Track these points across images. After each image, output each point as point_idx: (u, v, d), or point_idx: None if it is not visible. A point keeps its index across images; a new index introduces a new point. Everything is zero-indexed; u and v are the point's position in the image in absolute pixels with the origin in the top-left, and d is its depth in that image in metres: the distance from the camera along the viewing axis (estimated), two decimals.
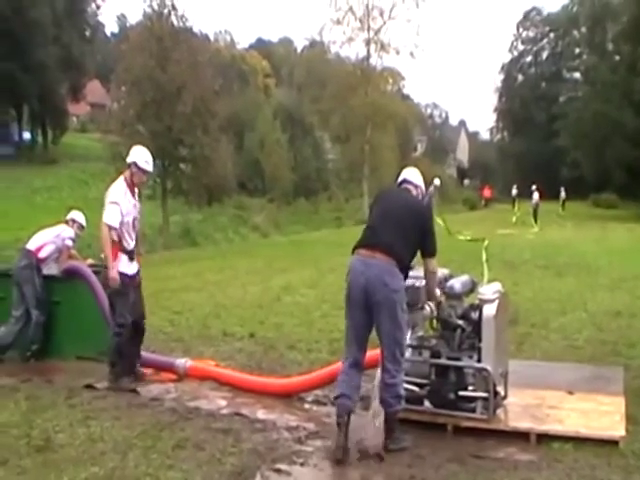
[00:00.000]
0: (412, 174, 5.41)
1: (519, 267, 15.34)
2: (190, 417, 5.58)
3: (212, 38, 76.70)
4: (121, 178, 6.59)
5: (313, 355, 7.64)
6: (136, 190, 6.66)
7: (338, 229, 35.63)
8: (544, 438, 4.96)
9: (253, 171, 41.78)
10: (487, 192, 58.56)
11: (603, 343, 7.99)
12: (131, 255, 6.48)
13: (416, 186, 5.38)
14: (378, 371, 5.09)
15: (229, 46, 78.28)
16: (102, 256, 6.53)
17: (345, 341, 5.00)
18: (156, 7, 28.36)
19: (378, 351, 5.60)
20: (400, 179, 5.39)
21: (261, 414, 5.69)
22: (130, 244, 6.49)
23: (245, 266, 16.65)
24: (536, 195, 36.25)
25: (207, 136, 27.92)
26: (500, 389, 5.42)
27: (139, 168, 6.57)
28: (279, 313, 10.25)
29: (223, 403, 5.99)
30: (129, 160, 6.59)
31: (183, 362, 6.85)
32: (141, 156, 6.61)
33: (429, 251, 5.13)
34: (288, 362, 7.38)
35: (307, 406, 6.01)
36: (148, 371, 6.94)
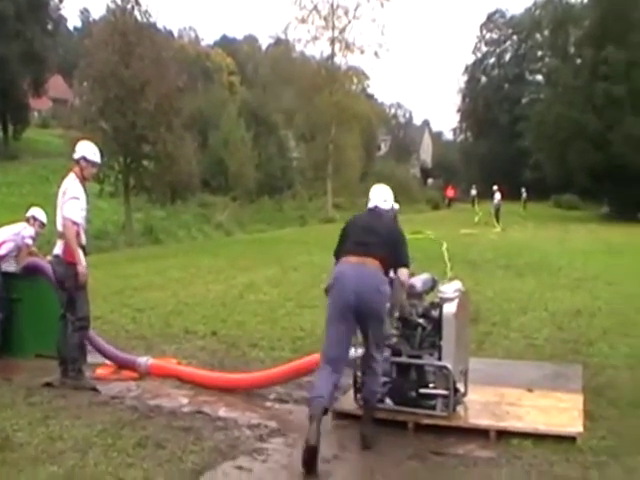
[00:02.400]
0: (382, 201, 5.47)
1: (481, 267, 15.49)
2: (151, 415, 5.55)
3: (176, 34, 76.41)
4: (72, 174, 6.56)
5: (276, 353, 7.64)
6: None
7: (302, 227, 35.64)
8: (503, 435, 5.02)
9: (217, 169, 41.53)
10: (450, 192, 59.08)
11: (563, 342, 8.12)
12: (85, 250, 6.48)
13: (387, 211, 5.48)
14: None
15: (194, 43, 77.91)
16: (56, 252, 6.49)
17: (326, 343, 4.99)
18: (119, 2, 28.04)
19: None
20: (371, 205, 5.45)
21: (223, 412, 5.68)
22: (83, 239, 6.50)
23: (208, 264, 16.58)
24: (498, 195, 36.70)
25: (171, 133, 27.66)
26: (460, 386, 5.49)
27: (88, 161, 6.57)
28: (242, 311, 10.23)
29: (185, 401, 5.98)
30: (77, 156, 6.57)
31: (145, 360, 6.82)
32: (89, 149, 6.62)
33: (402, 261, 5.23)
34: (251, 360, 7.38)
35: (269, 404, 6.01)
36: (110, 369, 6.91)
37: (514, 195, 50.96)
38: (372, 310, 4.91)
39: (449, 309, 5.33)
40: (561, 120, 42.90)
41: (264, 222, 36.11)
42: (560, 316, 9.69)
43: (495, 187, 37.82)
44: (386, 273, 5.07)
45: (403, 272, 5.22)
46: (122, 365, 6.93)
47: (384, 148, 76.64)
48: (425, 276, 5.81)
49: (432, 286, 5.79)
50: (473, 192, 53.29)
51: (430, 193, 63.32)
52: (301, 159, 51.52)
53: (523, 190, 50.56)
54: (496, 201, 36.51)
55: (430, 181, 77.26)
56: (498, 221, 34.12)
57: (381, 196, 5.48)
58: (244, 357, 7.56)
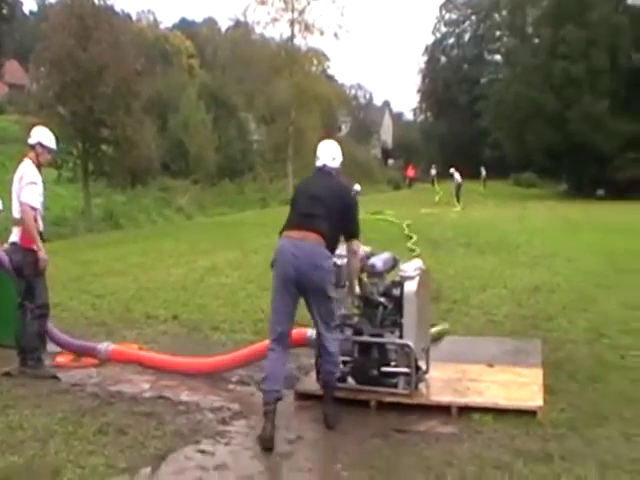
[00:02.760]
0: (330, 158, 5.32)
1: (442, 245, 15.59)
2: (112, 402, 5.49)
3: (135, 18, 75.16)
4: (28, 160, 6.42)
5: (237, 335, 7.61)
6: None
7: (263, 210, 35.58)
8: (465, 410, 5.06)
9: (177, 152, 41.16)
10: (411, 172, 59.24)
11: (522, 318, 8.21)
12: (42, 236, 6.36)
13: (337, 170, 5.35)
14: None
15: (152, 26, 76.75)
16: (13, 240, 6.36)
17: (273, 319, 4.97)
18: None
19: (301, 330, 5.66)
20: (320, 164, 5.31)
21: (185, 396, 5.64)
22: (41, 225, 6.37)
23: (169, 248, 16.44)
24: (457, 176, 36.83)
25: (130, 117, 27.36)
26: (422, 364, 5.52)
27: (44, 147, 6.45)
28: (203, 295, 10.17)
29: (146, 386, 5.92)
30: (32, 141, 6.44)
31: (105, 346, 6.74)
32: (44, 135, 6.49)
33: (353, 232, 5.18)
34: (212, 343, 7.34)
35: (231, 386, 5.99)
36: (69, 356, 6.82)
37: (474, 174, 51.32)
38: (313, 284, 4.86)
39: (410, 287, 5.35)
40: (519, 99, 43.23)
41: (225, 205, 35.99)
42: (519, 293, 9.80)
43: (452, 169, 37.92)
44: (332, 246, 5.01)
45: (355, 242, 5.19)
46: (82, 353, 6.84)
47: (345, 129, 76.56)
48: (386, 255, 5.82)
49: (393, 265, 5.80)
50: (433, 172, 53.61)
51: (391, 173, 63.68)
52: (262, 141, 51.38)
53: (482, 169, 50.94)
54: (456, 181, 36.69)
55: (391, 161, 77.53)
56: (459, 200, 34.33)
57: (329, 153, 5.33)
58: (206, 340, 7.51)
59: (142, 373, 6.31)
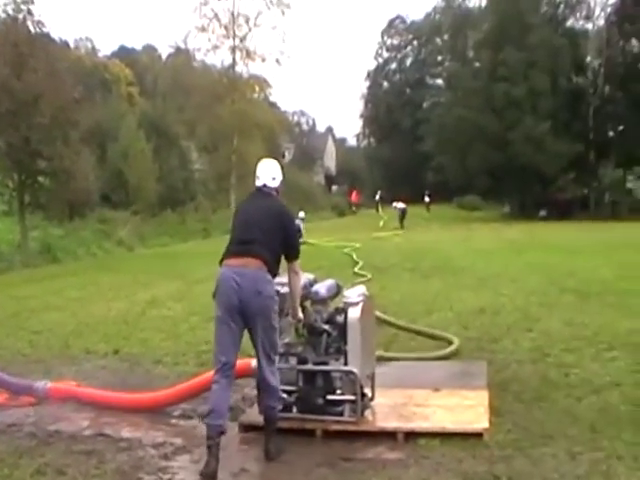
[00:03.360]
0: (270, 178, 5.32)
1: (386, 271, 15.71)
2: (51, 441, 5.38)
3: (72, 45, 74.38)
4: None
5: (180, 368, 7.53)
6: None
7: (205, 240, 35.37)
8: (411, 436, 5.09)
9: (117, 183, 40.61)
10: (355, 197, 59.72)
11: (468, 340, 8.29)
12: None
13: (277, 190, 5.36)
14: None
15: (90, 54, 76.06)
16: None
17: (217, 350, 4.92)
18: (10, 12, 27.14)
19: (246, 361, 5.63)
20: (259, 183, 5.32)
21: (126, 432, 5.56)
22: None
23: (109, 281, 16.22)
24: (401, 205, 37.24)
25: (67, 148, 26.92)
26: (367, 391, 5.54)
27: None
28: (145, 328, 10.04)
29: (85, 424, 5.81)
30: None
31: (42, 384, 6.60)
32: None
33: (293, 254, 5.18)
34: (154, 377, 7.24)
35: (174, 421, 5.92)
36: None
37: (417, 198, 52.01)
38: (257, 311, 4.84)
39: (354, 314, 5.38)
40: (461, 122, 44.03)
41: (167, 236, 35.61)
42: (465, 315, 9.91)
43: (395, 204, 38.31)
44: (274, 271, 5.01)
45: (296, 263, 5.20)
46: (19, 392, 6.67)
47: (288, 156, 76.76)
48: (329, 282, 5.87)
49: (337, 292, 5.84)
50: (377, 197, 54.13)
51: (335, 200, 63.79)
52: (204, 171, 51.14)
53: (426, 193, 51.66)
54: (400, 208, 37.06)
55: (335, 188, 77.90)
56: (402, 225, 34.85)
57: (269, 173, 5.32)
58: (147, 375, 7.41)
59: (81, 410, 6.19)
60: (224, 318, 4.86)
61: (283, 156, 72.34)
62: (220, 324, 4.89)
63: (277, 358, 5.10)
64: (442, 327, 9.06)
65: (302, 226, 23.51)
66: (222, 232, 37.84)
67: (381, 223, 38.66)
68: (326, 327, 5.50)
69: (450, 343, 7.88)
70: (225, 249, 5.11)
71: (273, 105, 59.64)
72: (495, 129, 41.69)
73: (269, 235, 5.00)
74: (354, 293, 5.55)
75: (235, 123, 42.02)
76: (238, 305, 4.81)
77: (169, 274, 17.11)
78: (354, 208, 58.13)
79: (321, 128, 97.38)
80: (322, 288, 5.66)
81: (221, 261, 5.05)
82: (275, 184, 5.32)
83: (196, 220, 42.64)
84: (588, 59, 46.36)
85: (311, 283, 5.67)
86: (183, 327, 9.98)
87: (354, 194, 60.20)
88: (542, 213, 42.17)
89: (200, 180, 50.56)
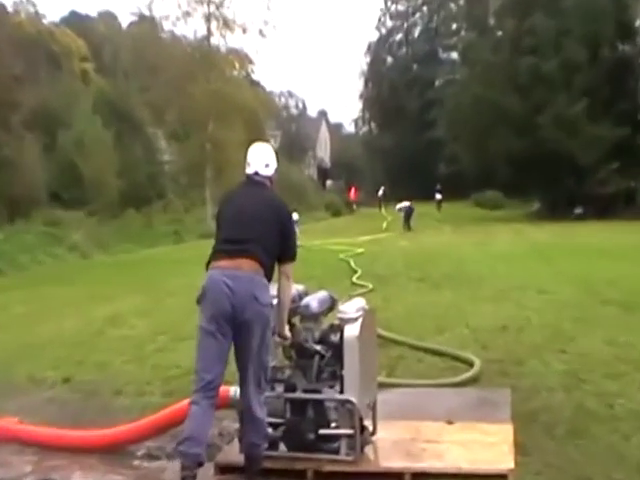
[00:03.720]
0: (263, 164, 5.34)
1: (390, 280, 15.75)
2: None
3: (10, 9, 74.21)
4: None
5: (145, 399, 7.46)
6: None
7: (177, 245, 35.38)
8: (421, 477, 5.03)
9: (69, 177, 40.45)
10: (353, 195, 59.90)
11: (487, 362, 8.24)
12: None
13: (270, 179, 5.37)
14: None
15: (34, 20, 75.86)
16: None
17: (200, 366, 4.90)
18: None
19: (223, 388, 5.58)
20: (250, 171, 5.32)
21: (77, 477, 5.51)
22: None
23: (61, 295, 16.20)
24: (406, 203, 37.17)
25: (8, 134, 26.98)
26: (368, 423, 5.50)
27: None
28: (103, 350, 10.00)
29: (29, 469, 5.75)
30: None
31: None
32: None
33: (290, 254, 5.20)
34: (113, 410, 7.18)
35: (136, 462, 5.86)
36: None
37: (427, 195, 52.00)
38: (248, 322, 4.82)
39: (351, 332, 5.34)
40: (479, 104, 43.68)
41: (131, 241, 35.56)
42: (483, 332, 9.88)
43: (398, 206, 38.08)
44: (269, 275, 5.03)
45: (288, 266, 5.20)
46: None
47: (274, 145, 76.87)
48: (322, 294, 5.84)
49: (330, 306, 5.82)
50: (380, 193, 54.30)
51: (330, 197, 63.92)
52: (174, 163, 51.11)
53: (437, 188, 51.65)
54: (405, 207, 37.03)
55: (329, 183, 78.04)
56: (409, 225, 34.94)
57: (262, 159, 5.35)
58: (105, 407, 7.35)
59: (23, 453, 6.13)
60: (211, 328, 4.83)
61: None
62: (205, 336, 4.86)
63: (267, 384, 5.10)
64: (456, 347, 9.03)
65: (297, 230, 23.57)
66: (197, 236, 37.93)
67: (384, 224, 38.69)
68: (318, 348, 5.47)
69: (470, 365, 7.84)
70: (213, 249, 5.11)
71: (256, 85, 59.63)
72: (520, 111, 41.29)
73: (265, 233, 5.02)
74: (352, 307, 5.52)
75: (211, 106, 42.02)
76: (230, 313, 4.79)
77: (133, 286, 17.10)
78: (355, 207, 58.21)
79: (313, 112, 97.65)
80: (313, 301, 5.63)
81: (208, 264, 5.05)
82: (269, 172, 5.34)
83: (165, 222, 42.68)
84: (638, 22, 45.05)
85: (300, 295, 5.65)
86: (149, 349, 9.94)
87: (353, 191, 60.34)
88: (577, 211, 41.55)
89: (170, 174, 50.57)
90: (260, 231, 5.00)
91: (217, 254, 5.03)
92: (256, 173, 5.29)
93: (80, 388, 8.12)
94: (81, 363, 9.30)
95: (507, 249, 22.65)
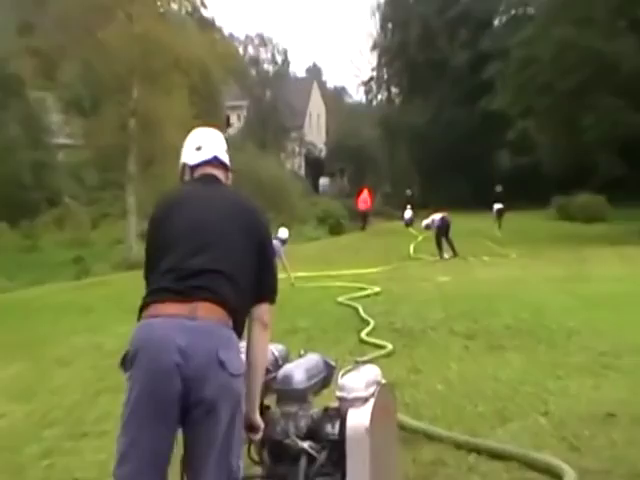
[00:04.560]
0: (221, 150, 5.43)
1: (421, 337, 15.69)
2: None
3: None
4: None
5: None
6: None
7: (80, 281, 35.29)
8: None
9: None
10: (365, 202, 59.37)
11: (584, 472, 8.19)
12: None
13: (227, 169, 5.46)
14: None
15: None
16: None
17: (127, 470, 4.80)
18: None
19: None
20: (204, 157, 5.37)
21: None
22: None
23: None
24: (437, 216, 36.93)
25: None
26: None
27: None
28: None
29: None
30: None
31: None
32: None
33: (269, 292, 5.26)
34: None
35: None
36: None
37: (479, 201, 51.93)
38: (207, 401, 4.76)
39: (358, 420, 5.37)
40: (568, 54, 43.16)
41: (3, 274, 35.64)
42: (573, 424, 9.82)
43: (425, 222, 37.86)
44: (240, 324, 5.02)
45: (266, 311, 5.22)
46: None
47: (237, 122, 77.23)
48: (311, 360, 5.94)
49: (326, 377, 5.92)
50: (408, 192, 54.46)
51: (325, 203, 63.87)
52: (75, 148, 51.20)
53: (497, 190, 51.19)
54: (437, 221, 36.89)
55: (324, 182, 78.19)
56: (451, 248, 34.97)
57: (218, 141, 5.49)
58: None
59: None
60: (148, 410, 4.77)
61: (227, 122, 72.67)
62: (134, 424, 4.81)
63: None
64: (530, 446, 8.98)
65: (282, 251, 23.49)
66: (112, 266, 38.00)
67: (412, 247, 38.76)
68: (305, 445, 5.48)
69: (557, 478, 7.77)
70: (150, 288, 5.09)
71: (209, 26, 59.92)
72: (635, 63, 40.80)
73: (237, 259, 5.03)
74: (359, 381, 5.55)
75: (135, 59, 42.08)
76: (178, 390, 4.73)
77: (6, 346, 17.03)
78: (363, 219, 58.02)
79: (299, 70, 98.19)
80: (298, 371, 5.70)
81: (142, 309, 5.00)
82: (227, 160, 5.47)
83: (61, 243, 42.74)
84: None
85: (278, 361, 5.76)
86: (29, 452, 9.82)
87: (365, 195, 59.65)
88: None
89: (68, 166, 50.64)
90: (229, 256, 5.00)
91: (157, 294, 4.97)
92: (215, 159, 5.36)
93: None
94: None
95: (612, 288, 22.55)
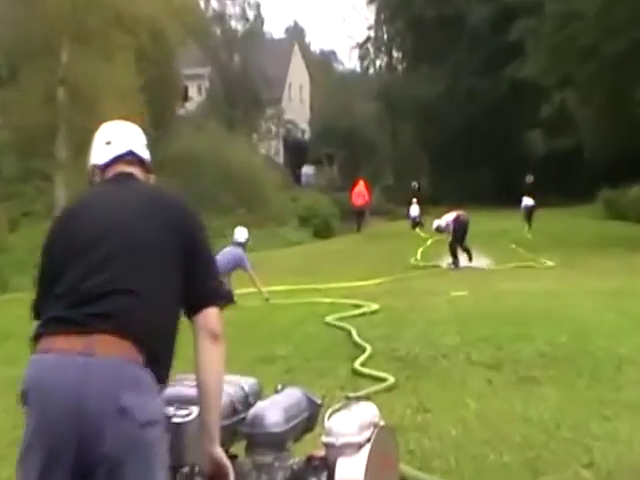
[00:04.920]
0: (138, 142, 5.48)
1: (430, 367, 15.72)
2: None
3: None
4: None
5: None
6: None
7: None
8: None
9: None
10: (360, 196, 59.53)
11: None
12: None
13: (147, 168, 5.52)
14: None
15: None
16: None
17: None
18: None
19: None
20: (117, 152, 5.38)
21: None
22: None
23: None
24: (450, 216, 36.83)
25: None
26: None
27: None
28: None
29: None
30: None
31: None
32: None
33: (211, 292, 5.24)
34: None
35: None
36: None
37: (504, 196, 52.09)
38: (111, 461, 4.73)
39: (349, 473, 5.38)
40: (616, 8, 43.59)
41: None
42: (624, 479, 9.83)
43: (437, 222, 37.78)
44: (157, 360, 4.94)
45: (211, 316, 5.17)
46: None
47: (197, 95, 77.47)
48: (291, 396, 5.96)
49: (309, 418, 5.95)
50: (414, 185, 54.73)
51: (309, 198, 64.00)
52: None
53: (527, 180, 51.26)
54: (448, 222, 36.82)
55: (307, 171, 78.44)
56: (469, 254, 35.01)
57: (134, 134, 5.55)
58: None
59: None
60: (42, 461, 4.74)
61: (185, 96, 72.82)
62: (32, 470, 4.77)
63: None
64: None
65: (245, 258, 23.48)
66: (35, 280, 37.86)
67: (419, 253, 38.88)
68: None
69: None
70: (43, 317, 5.07)
71: None
72: None
73: (152, 267, 5.03)
74: (350, 423, 5.57)
75: (64, 14, 42.11)
76: (73, 444, 4.71)
77: None
78: (358, 218, 58.22)
79: (277, 31, 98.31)
80: (274, 410, 5.71)
81: (35, 338, 4.99)
82: (145, 154, 5.51)
83: None
84: None
85: (248, 397, 5.72)
86: None
87: (358, 188, 59.83)
88: None
89: None
90: (142, 267, 5.00)
91: (48, 325, 4.97)
92: (130, 153, 5.40)
93: None
94: None
95: None
